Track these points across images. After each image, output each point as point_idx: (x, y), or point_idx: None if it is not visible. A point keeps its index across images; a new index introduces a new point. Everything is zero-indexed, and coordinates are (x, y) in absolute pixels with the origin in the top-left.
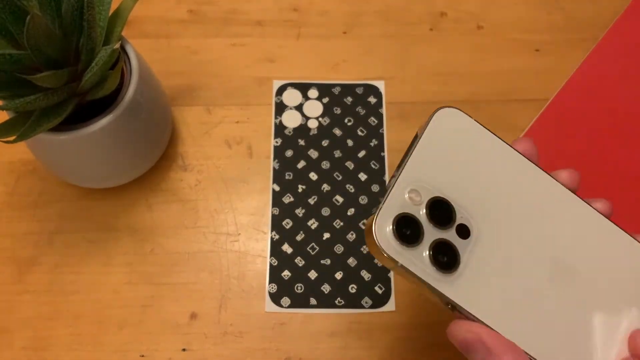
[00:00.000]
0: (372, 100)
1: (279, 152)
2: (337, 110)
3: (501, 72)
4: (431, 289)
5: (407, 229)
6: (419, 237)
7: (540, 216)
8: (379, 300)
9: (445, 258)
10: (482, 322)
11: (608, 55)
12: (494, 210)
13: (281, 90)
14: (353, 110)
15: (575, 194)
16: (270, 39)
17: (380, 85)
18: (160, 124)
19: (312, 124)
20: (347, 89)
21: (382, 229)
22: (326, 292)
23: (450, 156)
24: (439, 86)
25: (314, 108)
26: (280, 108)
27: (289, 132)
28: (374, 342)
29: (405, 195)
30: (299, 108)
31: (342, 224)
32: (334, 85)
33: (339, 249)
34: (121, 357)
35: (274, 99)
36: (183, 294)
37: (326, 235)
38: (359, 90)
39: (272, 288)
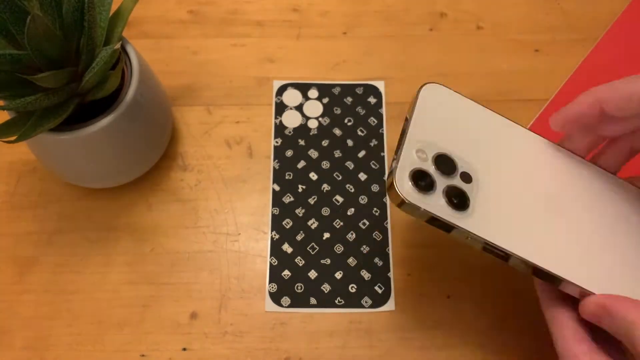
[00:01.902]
0: (372, 100)
1: (279, 152)
2: (337, 111)
3: (501, 72)
4: (452, 226)
5: (421, 181)
6: (432, 185)
7: (522, 160)
8: (379, 300)
9: (457, 200)
10: (498, 246)
11: (607, 55)
12: (485, 160)
13: (281, 90)
14: (353, 111)
15: (548, 139)
16: (271, 40)
17: (380, 85)
18: (160, 124)
19: (312, 124)
20: (347, 89)
21: (402, 183)
22: (326, 292)
23: (441, 121)
24: None
25: (314, 108)
26: (281, 108)
27: (289, 132)
28: (374, 341)
29: (414, 154)
30: (299, 108)
31: (342, 223)
32: (334, 86)
33: (339, 248)
34: (121, 356)
35: (274, 99)
36: (183, 294)
37: (326, 235)
38: (359, 91)
39: (272, 288)
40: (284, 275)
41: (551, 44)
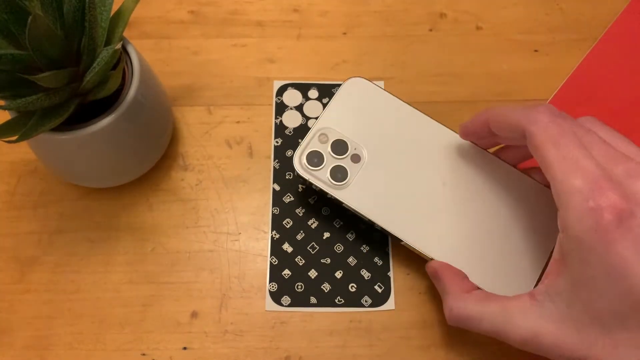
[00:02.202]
0: None
1: (279, 152)
2: None
3: (500, 72)
4: (328, 194)
5: (315, 159)
6: (322, 163)
7: (419, 146)
8: (379, 299)
9: (339, 175)
10: (361, 214)
11: (606, 55)
12: (381, 145)
13: (281, 90)
14: None
15: (450, 128)
16: (271, 40)
17: (380, 85)
18: (161, 124)
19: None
20: None
21: (300, 159)
22: (326, 291)
23: (353, 111)
24: (438, 86)
25: (314, 108)
26: (281, 108)
27: (290, 132)
28: (374, 340)
29: (316, 138)
30: (299, 108)
31: (342, 223)
32: (334, 86)
33: (338, 248)
34: (122, 355)
35: (274, 99)
36: (184, 293)
37: (326, 235)
38: None
39: (273, 287)
40: (284, 274)
41: (550, 44)
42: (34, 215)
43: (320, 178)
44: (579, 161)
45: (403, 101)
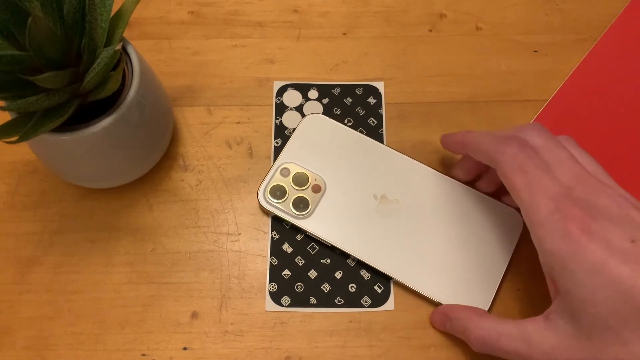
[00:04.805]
0: (372, 101)
1: (279, 153)
2: (337, 111)
3: (500, 73)
4: (293, 225)
5: (278, 192)
6: (285, 195)
7: (372, 170)
8: (379, 300)
9: (302, 205)
10: (324, 240)
11: (606, 56)
12: (339, 174)
13: (281, 91)
14: (353, 111)
15: (403, 153)
16: (271, 40)
17: (380, 86)
18: (161, 125)
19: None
20: (347, 89)
21: (262, 194)
22: (326, 291)
23: (312, 145)
24: (438, 87)
25: (314, 109)
26: (281, 109)
27: (290, 133)
28: (373, 340)
29: (278, 172)
30: (299, 109)
31: None
32: (334, 86)
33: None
34: (122, 356)
35: (274, 100)
36: (184, 294)
37: None
38: (359, 91)
39: (273, 287)
40: (284, 274)
41: (550, 45)
42: (34, 216)
43: (284, 209)
44: (543, 183)
45: (358, 132)
